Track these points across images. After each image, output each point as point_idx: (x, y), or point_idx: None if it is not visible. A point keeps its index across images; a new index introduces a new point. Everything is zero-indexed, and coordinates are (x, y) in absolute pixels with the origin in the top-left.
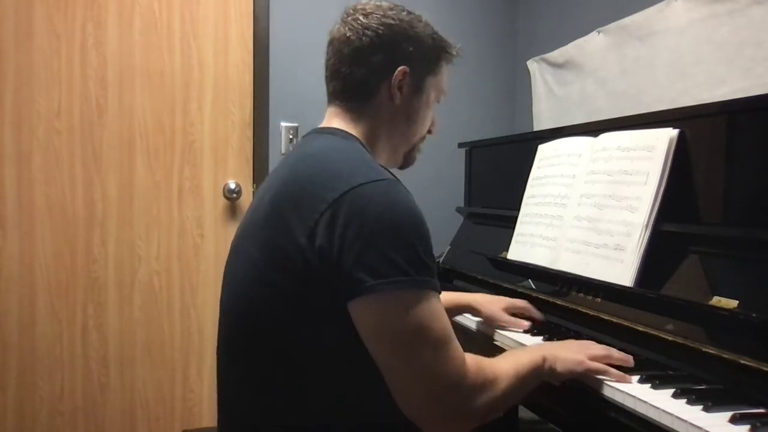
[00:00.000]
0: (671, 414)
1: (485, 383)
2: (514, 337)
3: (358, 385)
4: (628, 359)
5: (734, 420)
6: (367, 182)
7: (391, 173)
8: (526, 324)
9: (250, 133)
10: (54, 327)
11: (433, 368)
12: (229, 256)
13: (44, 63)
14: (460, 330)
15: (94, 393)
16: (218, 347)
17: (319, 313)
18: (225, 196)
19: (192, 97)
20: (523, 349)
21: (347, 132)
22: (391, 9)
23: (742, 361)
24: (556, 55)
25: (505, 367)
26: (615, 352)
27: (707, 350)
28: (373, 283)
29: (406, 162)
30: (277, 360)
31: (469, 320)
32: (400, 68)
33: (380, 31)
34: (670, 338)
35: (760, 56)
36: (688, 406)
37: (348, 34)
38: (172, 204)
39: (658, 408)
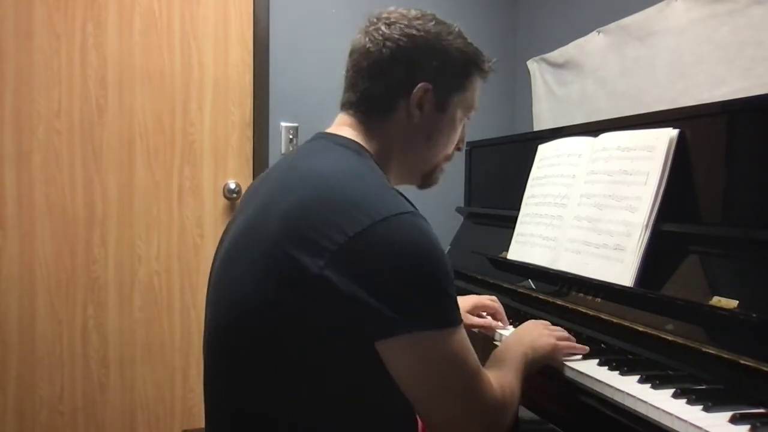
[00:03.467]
0: (671, 414)
1: (510, 399)
2: None
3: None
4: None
5: (734, 420)
6: (390, 216)
7: (403, 195)
8: (497, 324)
9: (250, 133)
10: (54, 327)
11: (474, 398)
12: (221, 262)
13: (44, 63)
14: None
15: (94, 393)
16: (208, 355)
17: (332, 342)
18: (225, 196)
19: (192, 97)
20: (505, 352)
21: (360, 145)
22: (417, 18)
23: (742, 361)
24: (556, 55)
25: (509, 377)
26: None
27: (707, 350)
28: (405, 323)
29: (426, 183)
30: (280, 382)
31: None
32: (420, 85)
33: (402, 43)
34: (670, 338)
35: (760, 56)
36: (688, 406)
37: (368, 46)
38: (172, 204)
39: (658, 408)
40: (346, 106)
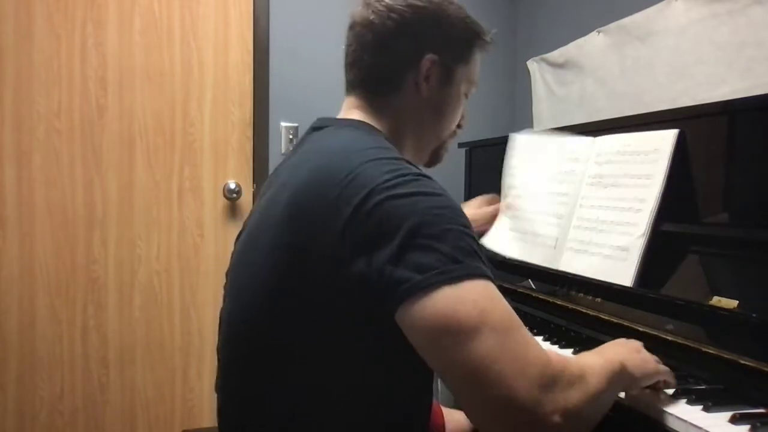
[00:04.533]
0: (671, 414)
1: (573, 376)
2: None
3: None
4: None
5: (734, 420)
6: (394, 178)
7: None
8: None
9: (250, 133)
10: (54, 327)
11: (505, 357)
12: (235, 262)
13: (44, 63)
14: None
15: (94, 393)
16: (224, 364)
17: (351, 325)
18: (225, 196)
19: (192, 97)
20: (595, 352)
21: (371, 126)
22: None
23: (742, 361)
24: (556, 55)
25: (590, 362)
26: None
27: (707, 350)
28: (420, 278)
29: (433, 160)
30: (299, 375)
31: None
32: (427, 57)
33: (406, 14)
34: (670, 338)
35: (760, 56)
36: (688, 406)
37: (371, 18)
38: (172, 204)
39: (658, 408)
40: (352, 86)
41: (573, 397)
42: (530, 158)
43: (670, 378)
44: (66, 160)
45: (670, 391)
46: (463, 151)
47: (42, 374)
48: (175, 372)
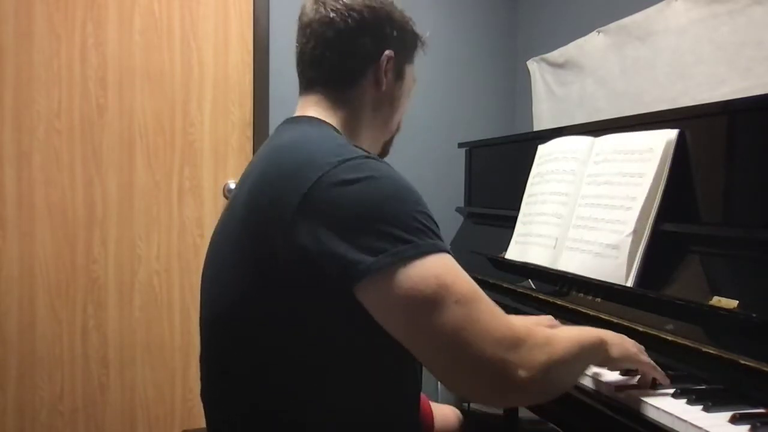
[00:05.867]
0: (671, 414)
1: (538, 339)
2: None
3: (363, 386)
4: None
5: (734, 420)
6: (340, 162)
7: (373, 155)
8: None
9: (250, 133)
10: (54, 327)
11: (471, 326)
12: (204, 264)
13: (44, 63)
14: None
15: (94, 393)
16: (204, 365)
17: (314, 315)
18: (225, 196)
19: (192, 97)
20: (575, 327)
21: (322, 120)
22: None
23: (742, 361)
24: (556, 55)
25: (559, 330)
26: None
27: (707, 350)
28: (373, 261)
29: (383, 153)
30: (274, 373)
31: None
32: (386, 52)
33: (365, 13)
34: (670, 338)
35: (760, 56)
36: (688, 406)
37: (331, 15)
38: (172, 204)
39: (659, 408)
40: (309, 85)
41: (538, 356)
42: (545, 161)
43: (657, 374)
44: (66, 160)
45: (670, 391)
46: (463, 151)
47: (42, 374)
48: (175, 372)
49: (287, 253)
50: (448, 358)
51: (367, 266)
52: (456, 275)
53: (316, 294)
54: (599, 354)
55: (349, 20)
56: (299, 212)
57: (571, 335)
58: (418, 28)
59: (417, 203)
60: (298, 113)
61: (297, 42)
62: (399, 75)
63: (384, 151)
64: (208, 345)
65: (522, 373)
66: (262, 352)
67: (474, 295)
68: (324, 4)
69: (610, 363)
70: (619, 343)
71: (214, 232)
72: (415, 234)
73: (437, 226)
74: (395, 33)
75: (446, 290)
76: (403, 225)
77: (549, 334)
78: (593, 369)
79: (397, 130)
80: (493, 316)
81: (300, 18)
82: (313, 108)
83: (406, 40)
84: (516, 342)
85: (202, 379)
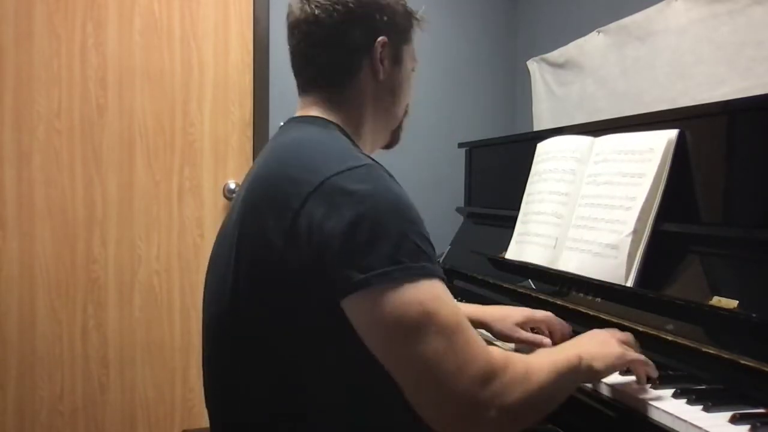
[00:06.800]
0: (671, 414)
1: (516, 374)
2: None
3: (357, 394)
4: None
5: (734, 420)
6: (343, 170)
7: (376, 162)
8: (548, 341)
9: (250, 133)
10: (54, 327)
11: (448, 358)
12: (208, 266)
13: (44, 63)
14: None
15: (94, 393)
16: (206, 368)
17: (310, 322)
18: (225, 196)
19: (192, 97)
20: (553, 348)
21: (326, 120)
22: None
23: (742, 361)
24: (556, 55)
25: (538, 360)
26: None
27: (707, 350)
28: (361, 278)
29: (393, 141)
30: (271, 374)
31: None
32: (379, 39)
33: (351, 5)
34: (670, 338)
35: (760, 56)
36: (688, 406)
37: (317, 13)
38: (172, 204)
39: (659, 408)
40: (306, 85)
41: (512, 394)
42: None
43: (649, 368)
44: (66, 160)
45: (670, 391)
46: (463, 151)
47: (42, 374)
48: (175, 372)
49: (287, 257)
50: (419, 387)
51: (354, 283)
52: (441, 304)
53: (311, 300)
54: (581, 373)
55: (335, 14)
56: (300, 216)
57: (549, 362)
58: (410, 6)
59: (414, 222)
60: (299, 113)
61: (288, 43)
62: (396, 60)
63: (395, 138)
64: (209, 346)
65: (492, 413)
66: (261, 355)
67: (456, 327)
68: (308, 1)
69: (597, 377)
70: (600, 353)
71: (218, 233)
72: (407, 255)
73: (432, 248)
74: (385, 18)
75: (428, 319)
76: (396, 244)
77: (527, 368)
78: None
79: (406, 114)
80: (471, 349)
81: (287, 18)
82: (314, 107)
83: (398, 23)
84: (491, 377)
85: (204, 383)
